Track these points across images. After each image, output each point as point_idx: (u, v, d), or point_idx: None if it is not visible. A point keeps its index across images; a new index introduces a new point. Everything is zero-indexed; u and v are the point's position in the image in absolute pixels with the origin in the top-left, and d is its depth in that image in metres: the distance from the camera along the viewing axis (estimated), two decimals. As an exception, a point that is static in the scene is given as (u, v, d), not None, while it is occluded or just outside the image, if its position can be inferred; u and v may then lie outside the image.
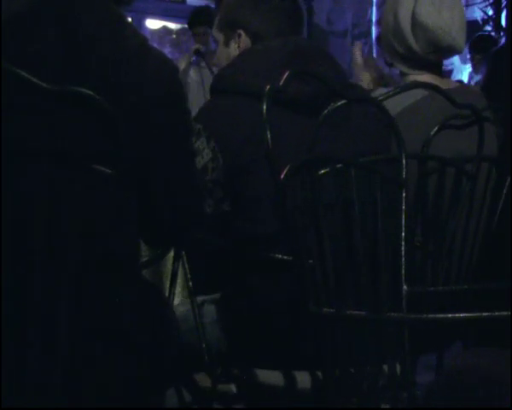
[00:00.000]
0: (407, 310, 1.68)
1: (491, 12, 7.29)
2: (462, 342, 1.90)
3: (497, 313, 1.30)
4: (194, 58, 5.68)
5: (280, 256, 1.83)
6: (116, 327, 1.38)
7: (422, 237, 1.86)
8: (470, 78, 6.97)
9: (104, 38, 1.37)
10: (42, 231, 1.30)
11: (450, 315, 1.42)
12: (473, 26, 6.74)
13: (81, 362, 1.34)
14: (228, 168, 1.88)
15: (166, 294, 1.83)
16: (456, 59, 7.59)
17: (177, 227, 1.54)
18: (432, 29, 2.23)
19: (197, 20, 5.82)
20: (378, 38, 2.29)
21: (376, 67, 2.99)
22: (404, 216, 1.70)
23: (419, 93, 2.19)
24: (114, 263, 1.38)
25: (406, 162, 1.72)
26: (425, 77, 2.30)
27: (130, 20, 1.52)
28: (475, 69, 6.50)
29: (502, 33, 7.28)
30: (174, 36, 8.47)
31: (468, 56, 6.71)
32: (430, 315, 1.48)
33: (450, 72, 7.61)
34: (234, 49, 2.10)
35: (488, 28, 7.20)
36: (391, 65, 2.41)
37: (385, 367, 1.69)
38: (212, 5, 6.50)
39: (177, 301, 2.02)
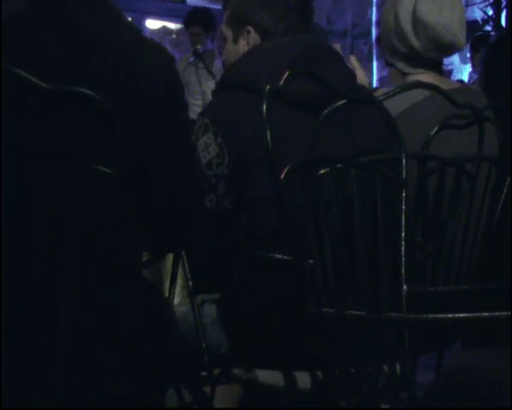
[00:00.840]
0: (407, 310, 1.68)
1: (491, 12, 7.28)
2: (462, 342, 1.91)
3: (497, 313, 1.30)
4: (191, 59, 5.69)
5: (280, 256, 1.83)
6: (116, 327, 1.38)
7: (422, 237, 1.86)
8: (470, 77, 6.98)
9: (103, 38, 1.37)
10: (42, 231, 1.29)
11: (450, 315, 1.42)
12: (473, 26, 6.73)
13: (81, 362, 1.34)
14: (232, 164, 1.88)
15: (166, 294, 1.82)
16: (456, 59, 7.60)
17: (177, 227, 1.54)
18: (432, 26, 2.23)
19: (191, 20, 5.87)
20: (378, 38, 2.29)
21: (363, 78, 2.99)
22: (404, 216, 1.70)
23: (420, 93, 2.18)
24: (115, 263, 1.38)
25: (406, 162, 1.72)
26: (426, 77, 2.30)
27: (129, 19, 1.52)
28: (475, 69, 6.50)
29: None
30: (174, 36, 8.47)
31: (468, 56, 6.71)
32: (430, 315, 1.49)
33: (450, 72, 7.61)
34: (243, 46, 2.10)
35: (488, 28, 7.20)
36: (391, 65, 2.40)
37: (385, 367, 1.69)
38: (211, 6, 6.51)
39: (177, 301, 2.02)
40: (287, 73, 1.50)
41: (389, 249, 1.69)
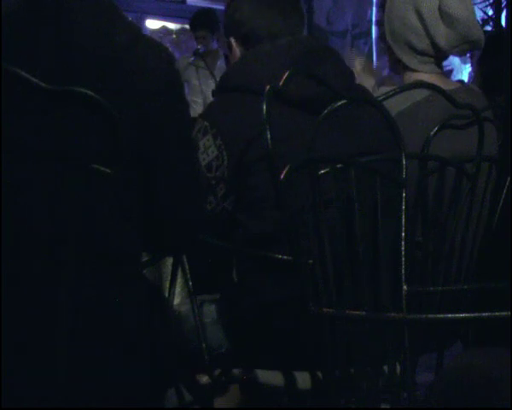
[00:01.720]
0: (407, 310, 1.68)
1: (491, 12, 7.28)
2: (462, 342, 1.91)
3: (497, 313, 1.30)
4: (192, 59, 5.69)
5: (280, 256, 1.83)
6: (116, 327, 1.38)
7: (422, 237, 1.86)
8: (470, 77, 6.97)
9: (102, 36, 1.37)
10: (42, 231, 1.29)
11: (450, 315, 1.42)
12: (473, 25, 6.72)
13: (81, 362, 1.34)
14: (233, 166, 1.88)
15: (166, 294, 1.82)
16: (456, 59, 7.59)
17: (177, 227, 1.54)
18: (463, 22, 2.20)
19: (197, 23, 5.81)
20: (381, 36, 2.26)
21: (375, 71, 2.98)
22: (404, 216, 1.70)
23: (421, 93, 2.17)
24: (115, 263, 1.38)
25: (406, 162, 1.73)
26: (427, 76, 2.29)
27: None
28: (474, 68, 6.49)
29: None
30: (174, 36, 8.47)
31: (468, 55, 6.71)
32: (430, 315, 1.49)
33: (451, 72, 7.60)
34: (246, 49, 2.10)
35: (488, 28, 7.19)
36: (397, 60, 2.36)
37: (385, 367, 1.69)
38: (214, 6, 6.49)
39: (177, 301, 2.02)
40: (286, 74, 1.50)
41: (389, 249, 1.69)
